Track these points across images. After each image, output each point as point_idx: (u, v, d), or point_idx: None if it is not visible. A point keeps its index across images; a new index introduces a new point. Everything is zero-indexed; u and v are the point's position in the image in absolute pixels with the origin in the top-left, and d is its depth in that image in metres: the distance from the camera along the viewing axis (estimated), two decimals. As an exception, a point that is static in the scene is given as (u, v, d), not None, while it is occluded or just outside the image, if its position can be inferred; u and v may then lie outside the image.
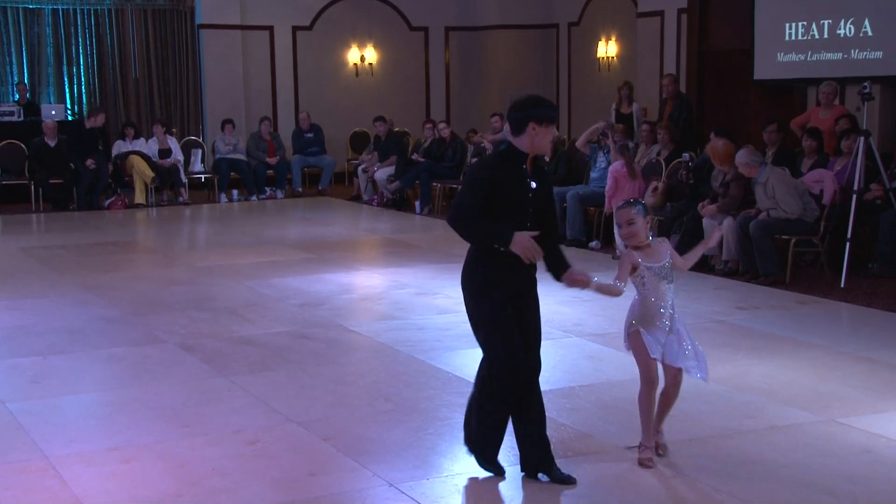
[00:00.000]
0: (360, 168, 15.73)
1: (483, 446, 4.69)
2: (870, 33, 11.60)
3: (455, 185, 14.22)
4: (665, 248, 4.79)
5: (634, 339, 4.74)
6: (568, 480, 4.57)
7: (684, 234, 9.71)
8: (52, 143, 14.60)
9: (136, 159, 14.83)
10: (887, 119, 11.47)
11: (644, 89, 14.35)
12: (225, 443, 5.11)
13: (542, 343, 6.97)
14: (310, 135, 16.43)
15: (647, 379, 4.71)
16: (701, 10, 14.19)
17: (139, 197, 14.83)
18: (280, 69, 17.29)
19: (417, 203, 14.30)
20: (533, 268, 4.54)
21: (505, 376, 4.52)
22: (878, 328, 7.39)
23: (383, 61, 17.96)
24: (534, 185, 4.52)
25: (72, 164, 14.59)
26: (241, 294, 8.73)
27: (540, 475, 4.61)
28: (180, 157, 15.43)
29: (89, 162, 14.40)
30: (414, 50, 18.18)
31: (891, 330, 7.30)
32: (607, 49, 16.65)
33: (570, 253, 9.91)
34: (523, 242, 4.38)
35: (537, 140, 4.48)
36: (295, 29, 17.36)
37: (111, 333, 7.42)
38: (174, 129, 16.55)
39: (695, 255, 4.99)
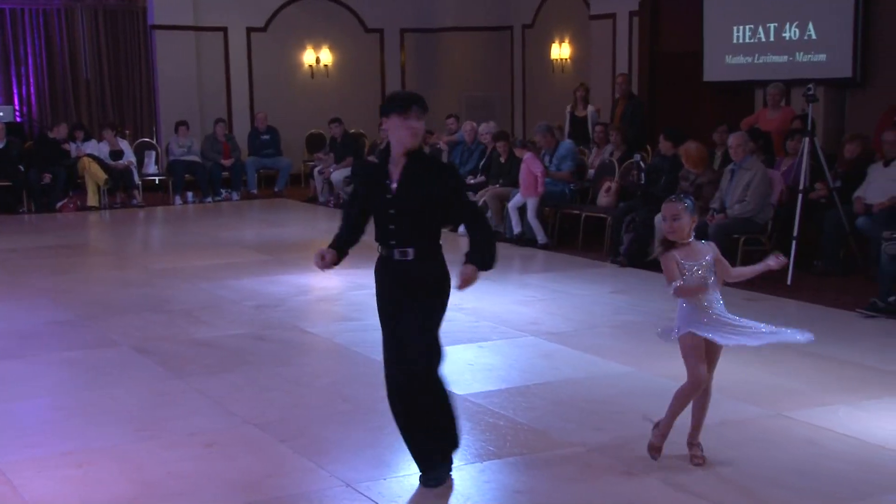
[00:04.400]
0: (316, 169, 15.73)
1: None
2: (814, 36, 11.87)
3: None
4: (706, 248, 4.75)
5: (687, 340, 4.67)
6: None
7: (635, 233, 9.87)
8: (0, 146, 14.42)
9: (88, 161, 14.70)
10: (831, 120, 11.73)
11: (597, 91, 14.54)
12: (181, 445, 5.10)
13: (499, 341, 7.05)
14: (266, 136, 16.40)
15: (696, 381, 4.66)
16: (652, 13, 14.40)
17: (92, 199, 14.71)
18: (235, 71, 17.22)
19: (373, 204, 14.31)
20: None
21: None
22: (822, 324, 7.48)
23: (339, 63, 17.96)
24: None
25: (21, 167, 14.43)
26: (197, 296, 8.71)
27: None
28: (132, 159, 15.32)
29: (46, 176, 14.30)
30: (369, 52, 18.20)
31: (835, 325, 7.46)
32: (561, 51, 16.82)
33: (522, 253, 9.93)
34: None
35: None
36: (249, 30, 17.30)
37: (65, 337, 7.38)
38: (127, 131, 16.43)
39: (749, 271, 4.91)
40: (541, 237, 11.10)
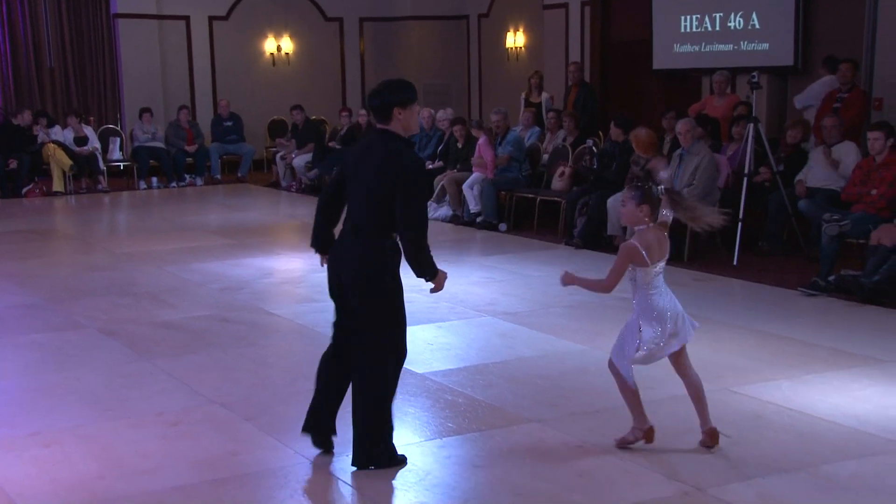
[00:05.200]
0: (278, 155, 15.82)
1: (392, 445, 4.65)
2: (757, 26, 12.15)
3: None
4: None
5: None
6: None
7: (589, 216, 10.08)
8: (-37, 132, 14.35)
9: (53, 147, 14.70)
10: (774, 107, 12.00)
11: (550, 78, 14.75)
12: (147, 425, 5.17)
13: (457, 321, 7.20)
14: (229, 123, 16.45)
15: None
16: (603, 3, 14.66)
17: (57, 185, 14.72)
18: (197, 58, 17.23)
19: (334, 189, 14.45)
20: None
21: (399, 366, 4.61)
22: (767, 302, 7.77)
23: (299, 51, 18.02)
24: None
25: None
26: (162, 279, 8.78)
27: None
28: (97, 145, 15.33)
29: (12, 162, 14.26)
30: (329, 40, 18.27)
31: (778, 303, 7.69)
32: (515, 40, 17.06)
33: (479, 235, 10.08)
34: (443, 280, 4.57)
35: (405, 123, 4.48)
36: (211, 19, 17.31)
37: (31, 320, 7.41)
38: (91, 118, 16.39)
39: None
40: (472, 206, 11.35)
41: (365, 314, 4.48)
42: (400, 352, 4.60)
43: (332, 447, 4.78)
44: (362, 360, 4.53)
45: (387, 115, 4.45)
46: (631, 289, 4.72)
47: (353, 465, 4.61)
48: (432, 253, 4.51)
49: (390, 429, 4.61)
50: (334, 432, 4.79)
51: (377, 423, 4.56)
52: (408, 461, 4.65)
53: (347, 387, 4.69)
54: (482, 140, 11.55)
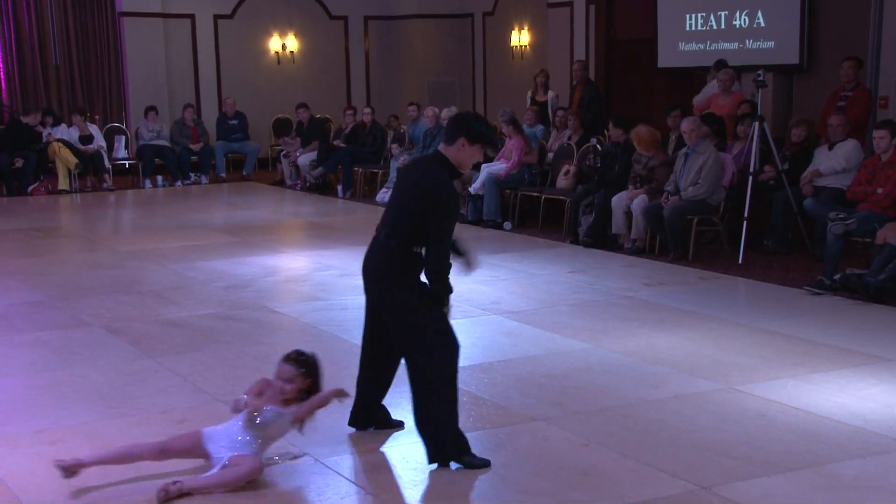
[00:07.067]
0: (282, 153, 15.83)
1: (462, 440, 4.62)
2: (763, 24, 12.15)
3: (375, 170, 14.49)
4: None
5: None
6: (398, 424, 5.04)
7: (595, 215, 10.07)
8: (-32, 130, 14.38)
9: (58, 146, 14.73)
10: (779, 105, 11.99)
11: (555, 77, 14.75)
12: (152, 422, 5.16)
13: (462, 320, 7.17)
14: (234, 121, 16.47)
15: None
16: (608, 1, 14.66)
17: (62, 183, 14.74)
18: (202, 57, 17.26)
19: (340, 187, 14.49)
20: None
21: (455, 359, 4.59)
22: (772, 301, 7.75)
23: (304, 49, 18.04)
24: None
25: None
26: (167, 277, 8.78)
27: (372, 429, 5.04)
28: (102, 143, 15.35)
29: (18, 160, 14.30)
30: (334, 38, 18.29)
31: (783, 302, 7.67)
32: (520, 38, 17.08)
33: (484, 234, 10.10)
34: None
35: (462, 155, 4.57)
36: (216, 17, 17.34)
37: (36, 317, 7.41)
38: (96, 116, 16.42)
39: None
40: (475, 187, 11.46)
41: (397, 322, 4.60)
42: (448, 345, 4.57)
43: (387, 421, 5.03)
44: (414, 364, 4.60)
45: (453, 138, 4.56)
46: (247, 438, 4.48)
47: (428, 462, 4.59)
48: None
49: (455, 423, 4.58)
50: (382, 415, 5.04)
51: (443, 420, 4.55)
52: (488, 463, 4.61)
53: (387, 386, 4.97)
54: (515, 142, 11.57)
